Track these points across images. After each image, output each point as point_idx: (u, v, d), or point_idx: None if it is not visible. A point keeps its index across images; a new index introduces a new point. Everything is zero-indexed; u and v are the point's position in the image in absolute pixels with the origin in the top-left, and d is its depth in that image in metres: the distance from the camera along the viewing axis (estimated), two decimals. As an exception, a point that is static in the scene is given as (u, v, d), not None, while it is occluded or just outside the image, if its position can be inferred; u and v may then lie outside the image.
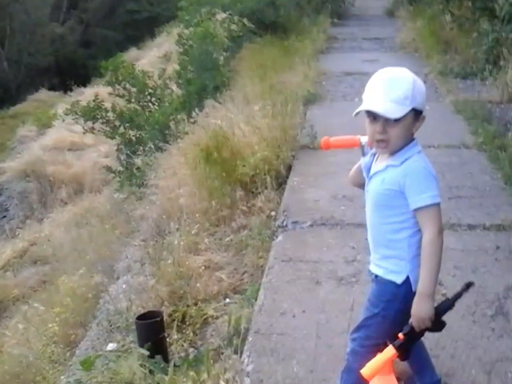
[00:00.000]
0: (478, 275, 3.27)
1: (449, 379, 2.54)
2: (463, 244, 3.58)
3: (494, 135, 5.31)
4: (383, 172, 2.01)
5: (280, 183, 4.66)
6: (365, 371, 1.92)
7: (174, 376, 2.33)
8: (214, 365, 2.58)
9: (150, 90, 9.43)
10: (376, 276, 2.12)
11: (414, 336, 2.00)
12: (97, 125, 9.30)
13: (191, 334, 3.14)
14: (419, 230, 1.98)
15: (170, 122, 7.06)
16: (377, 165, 2.06)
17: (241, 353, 2.74)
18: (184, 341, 3.06)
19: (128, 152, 8.00)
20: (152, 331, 2.85)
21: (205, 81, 7.88)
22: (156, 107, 9.16)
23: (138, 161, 7.38)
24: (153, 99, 9.48)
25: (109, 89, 9.92)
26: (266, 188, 4.53)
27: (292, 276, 3.38)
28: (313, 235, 3.84)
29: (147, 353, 2.46)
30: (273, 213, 4.23)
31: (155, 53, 18.21)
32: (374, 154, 2.11)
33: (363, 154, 2.27)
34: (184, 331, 3.17)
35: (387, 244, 2.05)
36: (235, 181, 4.49)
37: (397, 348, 1.95)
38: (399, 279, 2.02)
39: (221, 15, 10.24)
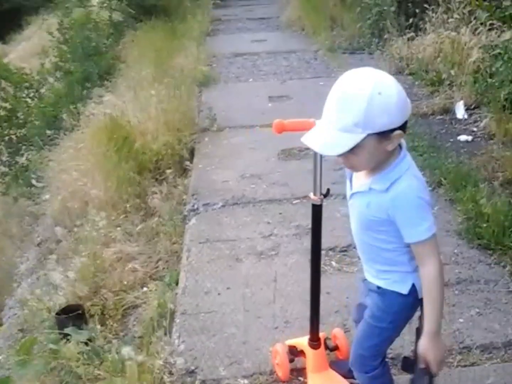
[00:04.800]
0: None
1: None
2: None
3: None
4: (367, 195, 1.79)
5: (186, 167, 4.75)
6: None
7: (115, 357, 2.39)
8: (146, 347, 2.66)
9: (26, 84, 9.10)
10: (378, 287, 1.94)
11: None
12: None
13: (114, 325, 3.18)
14: None
15: (58, 115, 6.89)
16: (358, 180, 1.85)
17: (171, 334, 2.84)
18: (109, 333, 3.08)
19: (9, 151, 7.70)
20: (74, 325, 2.87)
21: (88, 68, 7.75)
22: (36, 102, 8.86)
23: (23, 159, 7.15)
24: (31, 94, 9.15)
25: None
26: (171, 173, 4.61)
27: (212, 256, 3.50)
28: (227, 215, 3.98)
29: (83, 337, 2.49)
30: (182, 198, 4.32)
31: (24, 47, 17.44)
32: None
33: None
34: (106, 323, 3.20)
35: (383, 261, 1.88)
36: (141, 169, 4.52)
37: None
38: (404, 290, 1.87)
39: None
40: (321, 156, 2.20)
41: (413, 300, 1.87)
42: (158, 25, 9.43)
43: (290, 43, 8.97)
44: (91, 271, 3.53)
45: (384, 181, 1.72)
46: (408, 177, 1.71)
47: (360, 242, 1.94)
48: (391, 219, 1.73)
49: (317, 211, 2.29)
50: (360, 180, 1.83)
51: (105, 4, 10.04)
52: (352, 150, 1.64)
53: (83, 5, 9.64)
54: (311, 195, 2.26)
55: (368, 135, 1.61)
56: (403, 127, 1.66)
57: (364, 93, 1.58)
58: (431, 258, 1.73)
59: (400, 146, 1.75)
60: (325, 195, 2.25)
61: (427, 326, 1.76)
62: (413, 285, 1.85)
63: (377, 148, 1.66)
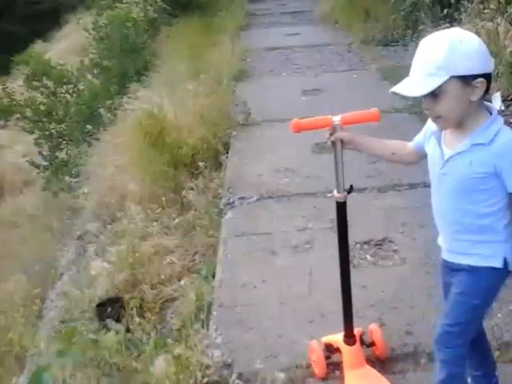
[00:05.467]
0: (425, 229, 3.50)
1: (410, 327, 2.73)
2: (407, 202, 3.82)
3: (422, 97, 5.60)
4: (468, 153, 1.79)
5: (221, 161, 4.75)
6: None
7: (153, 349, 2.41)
8: (185, 340, 2.67)
9: (65, 80, 9.27)
10: (469, 265, 1.90)
11: None
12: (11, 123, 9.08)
13: (152, 318, 3.20)
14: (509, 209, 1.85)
15: (97, 110, 7.00)
16: (453, 145, 1.84)
17: (208, 327, 2.84)
18: (147, 325, 3.10)
19: (50, 146, 7.86)
20: (114, 317, 2.91)
21: (126, 65, 7.83)
22: (75, 98, 9.00)
23: (62, 154, 7.28)
24: (70, 90, 9.31)
25: (18, 83, 9.66)
26: (207, 167, 4.62)
27: (247, 249, 3.50)
28: (262, 209, 3.97)
29: (122, 329, 2.52)
30: (218, 192, 4.32)
31: (63, 45, 17.70)
32: (438, 133, 1.89)
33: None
34: (144, 316, 3.22)
35: (477, 229, 1.87)
36: (177, 163, 4.55)
37: None
38: (498, 263, 1.87)
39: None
40: (342, 151, 2.16)
41: (505, 274, 1.89)
42: (193, 20, 9.45)
43: (323, 37, 8.90)
44: (129, 264, 3.57)
45: (486, 134, 1.77)
46: (507, 129, 1.78)
47: (452, 213, 1.90)
48: (497, 172, 1.76)
49: (341, 208, 2.24)
50: (453, 144, 1.84)
51: (140, 2, 10.11)
52: (436, 97, 1.72)
53: (119, 2, 9.73)
54: (335, 192, 2.22)
55: (451, 78, 1.69)
56: (486, 78, 1.73)
57: (447, 39, 1.71)
58: None
59: (489, 110, 1.82)
60: (349, 192, 2.21)
61: None
62: (505, 258, 1.86)
63: (460, 96, 1.73)
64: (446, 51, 1.69)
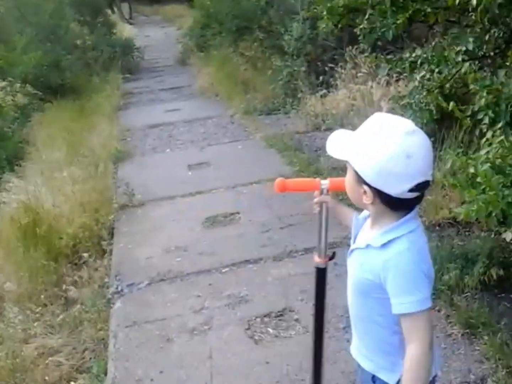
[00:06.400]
0: (323, 294, 3.57)
1: (319, 398, 2.72)
2: (303, 268, 3.89)
3: (308, 162, 5.86)
4: (363, 252, 1.68)
5: (106, 248, 4.63)
6: None
7: None
8: None
9: None
10: (373, 375, 1.78)
11: None
12: None
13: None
14: None
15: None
16: (361, 235, 1.76)
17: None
18: None
19: None
20: None
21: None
22: None
23: None
24: None
25: None
26: (91, 256, 4.48)
27: (141, 340, 3.38)
28: (154, 293, 3.88)
29: None
30: (105, 281, 4.19)
31: None
32: (361, 220, 1.81)
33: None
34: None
35: (374, 337, 1.74)
36: (57, 255, 4.37)
37: None
38: (392, 380, 1.71)
39: None
40: (327, 216, 2.03)
41: None
42: (67, 104, 9.41)
43: (205, 110, 9.12)
44: (10, 372, 3.33)
45: (381, 236, 1.62)
46: (408, 240, 1.58)
47: (353, 312, 1.80)
48: (382, 284, 1.59)
49: (321, 274, 2.14)
50: (362, 234, 1.75)
51: (8, 88, 9.93)
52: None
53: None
54: (316, 257, 2.11)
55: (349, 162, 1.62)
56: (381, 195, 1.57)
57: (376, 133, 1.55)
58: (419, 335, 1.56)
59: (411, 209, 1.63)
60: (331, 258, 2.10)
61: None
62: (400, 379, 1.64)
63: (354, 185, 1.62)
64: (360, 141, 1.58)
